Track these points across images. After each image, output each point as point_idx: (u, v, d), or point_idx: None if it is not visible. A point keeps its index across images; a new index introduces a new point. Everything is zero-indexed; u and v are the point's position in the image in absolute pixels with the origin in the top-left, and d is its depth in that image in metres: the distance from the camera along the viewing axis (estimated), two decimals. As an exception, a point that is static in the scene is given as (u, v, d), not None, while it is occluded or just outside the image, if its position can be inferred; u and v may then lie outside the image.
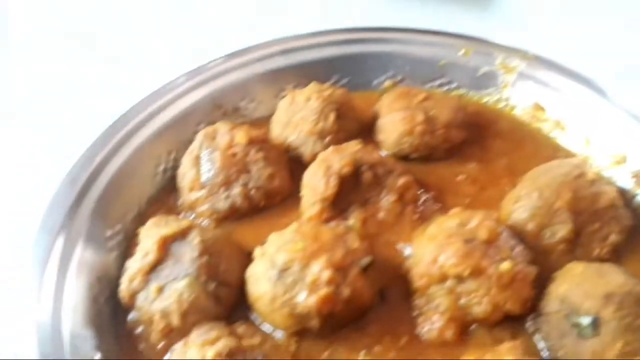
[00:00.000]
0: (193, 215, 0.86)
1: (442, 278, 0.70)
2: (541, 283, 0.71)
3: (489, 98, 1.03)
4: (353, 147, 0.84)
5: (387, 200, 0.83)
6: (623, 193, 0.82)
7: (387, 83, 1.06)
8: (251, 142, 0.87)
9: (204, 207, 0.85)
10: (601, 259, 0.74)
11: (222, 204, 0.85)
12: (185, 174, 0.88)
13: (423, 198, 0.86)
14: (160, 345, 0.72)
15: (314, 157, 0.87)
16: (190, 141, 0.92)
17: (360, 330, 0.72)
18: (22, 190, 0.80)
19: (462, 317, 0.70)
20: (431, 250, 0.72)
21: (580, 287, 0.66)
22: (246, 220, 0.86)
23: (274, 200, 0.87)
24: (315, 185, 0.82)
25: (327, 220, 0.81)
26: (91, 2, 1.31)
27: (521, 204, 0.79)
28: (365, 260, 0.72)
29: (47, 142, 0.99)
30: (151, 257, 0.74)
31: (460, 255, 0.69)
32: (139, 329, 0.74)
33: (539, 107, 0.97)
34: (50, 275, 0.73)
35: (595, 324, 0.63)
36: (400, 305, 0.74)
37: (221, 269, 0.74)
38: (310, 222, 0.77)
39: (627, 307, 0.63)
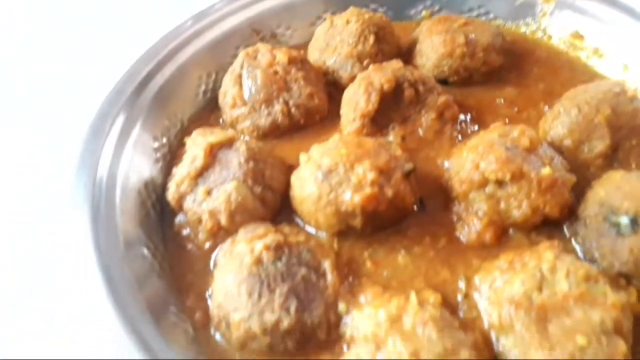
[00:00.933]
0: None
1: (483, 183, 0.72)
2: (579, 193, 0.73)
3: (526, 28, 1.03)
4: (394, 65, 0.85)
5: (427, 117, 0.85)
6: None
7: (425, 13, 1.06)
8: (292, 61, 0.89)
9: (245, 124, 0.88)
10: (639, 174, 0.76)
11: (264, 120, 0.87)
12: (227, 92, 0.90)
13: (462, 118, 0.87)
14: (207, 245, 0.75)
15: (352, 80, 0.88)
16: (229, 64, 0.93)
17: (400, 233, 0.74)
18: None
19: (501, 221, 0.72)
20: (473, 158, 0.73)
21: (619, 190, 0.68)
22: (286, 138, 0.88)
23: (314, 119, 0.89)
24: (356, 101, 0.84)
25: (367, 136, 0.83)
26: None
27: (560, 120, 0.80)
28: (408, 165, 0.74)
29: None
30: (199, 162, 0.77)
31: (501, 160, 0.71)
32: (186, 231, 0.77)
33: (577, 35, 0.97)
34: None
35: (635, 222, 0.65)
36: (440, 213, 0.76)
37: (267, 175, 0.77)
38: (351, 135, 0.79)
39: (667, 207, 0.64)
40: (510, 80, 0.94)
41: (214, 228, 0.74)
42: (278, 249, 0.68)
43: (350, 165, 0.71)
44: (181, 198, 0.77)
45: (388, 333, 0.60)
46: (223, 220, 0.73)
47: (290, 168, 0.79)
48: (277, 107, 0.87)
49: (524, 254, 0.66)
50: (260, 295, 0.64)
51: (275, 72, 0.88)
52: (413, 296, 0.64)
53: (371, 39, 0.93)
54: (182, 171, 0.78)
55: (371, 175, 0.69)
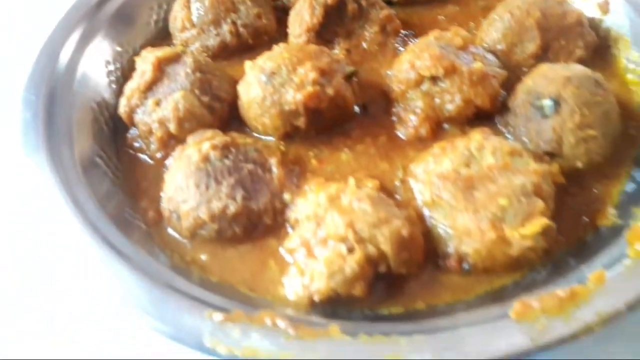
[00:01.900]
0: (185, 56, 0.91)
1: (419, 81, 0.76)
2: (511, 90, 0.77)
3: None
4: (337, -20, 0.88)
5: (370, 31, 0.88)
6: (590, 21, 0.87)
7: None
8: (239, -16, 0.91)
9: (195, 45, 0.90)
10: (567, 73, 0.80)
11: (212, 40, 0.89)
12: (177, 16, 0.92)
13: (405, 33, 0.91)
14: (159, 155, 0.78)
15: (299, 4, 0.91)
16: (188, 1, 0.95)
17: (344, 135, 0.78)
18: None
19: (436, 115, 0.76)
20: (409, 59, 0.77)
21: (544, 77, 0.72)
22: (235, 59, 0.90)
23: (262, 39, 0.91)
24: (301, 17, 0.87)
25: (313, 50, 0.86)
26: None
27: (494, 26, 0.84)
28: (349, 68, 0.77)
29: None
30: (147, 76, 0.79)
31: (435, 57, 0.75)
32: (139, 143, 0.80)
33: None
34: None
35: (556, 103, 0.69)
36: (382, 116, 0.80)
37: (214, 85, 0.79)
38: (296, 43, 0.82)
39: (585, 87, 0.69)
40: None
41: (164, 137, 0.77)
42: (225, 148, 0.71)
43: (292, 67, 0.74)
44: (132, 111, 0.79)
45: (327, 210, 0.64)
46: (172, 127, 0.76)
47: (238, 82, 0.82)
48: (226, 28, 0.89)
49: (455, 141, 0.70)
50: (207, 187, 0.68)
51: (223, -5, 0.90)
52: (352, 180, 0.68)
53: (316, -37, 0.95)
54: (131, 85, 0.80)
55: (312, 75, 0.73)
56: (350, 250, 0.60)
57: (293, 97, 0.72)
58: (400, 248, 0.60)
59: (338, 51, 0.86)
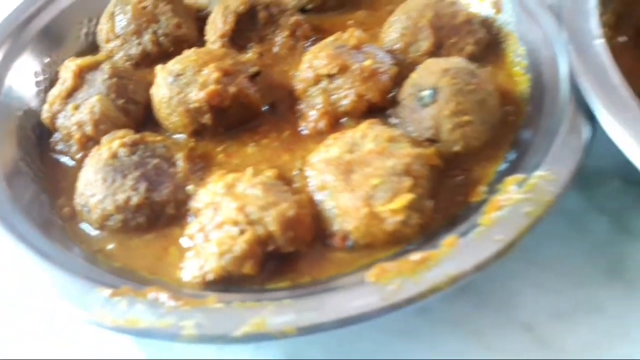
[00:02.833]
0: (112, 65, 0.97)
1: (317, 79, 0.82)
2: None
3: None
4: (250, -8, 0.95)
5: (280, 36, 0.95)
6: (485, 20, 0.95)
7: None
8: (160, -3, 0.98)
9: (119, 55, 0.96)
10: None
11: (135, 50, 0.96)
12: (102, 29, 0.98)
13: (314, 38, 0.97)
14: (79, 156, 0.83)
15: (221, 14, 0.98)
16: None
17: (252, 131, 0.84)
18: None
19: (333, 110, 0.82)
20: (308, 59, 0.84)
21: (426, 70, 0.79)
22: (157, 65, 0.94)
23: (182, 47, 0.95)
24: (215, 24, 0.93)
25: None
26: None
27: (393, 28, 0.91)
28: (253, 69, 0.84)
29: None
30: (68, 83, 0.85)
31: (330, 57, 0.81)
32: (61, 146, 0.85)
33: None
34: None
35: (434, 93, 0.76)
36: (288, 113, 0.86)
37: (130, 89, 0.86)
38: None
39: (460, 77, 0.76)
40: (363, 5, 1.04)
41: (83, 138, 0.82)
42: (134, 145, 0.77)
43: (198, 68, 0.80)
44: (54, 117, 0.85)
45: (223, 197, 0.69)
46: (89, 129, 0.82)
47: (154, 86, 0.88)
48: (147, 37, 0.95)
49: (346, 131, 0.76)
50: (114, 181, 0.73)
51: (144, 7, 0.96)
52: (249, 170, 0.73)
53: (237, -25, 1.02)
54: (53, 92, 0.86)
55: (215, 75, 0.79)
56: (242, 232, 0.66)
57: (196, 95, 0.78)
58: (287, 228, 0.66)
59: (251, 55, 0.93)
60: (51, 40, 0.98)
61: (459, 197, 0.73)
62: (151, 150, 0.77)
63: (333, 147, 0.73)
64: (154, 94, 0.83)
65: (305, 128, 0.83)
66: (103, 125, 0.82)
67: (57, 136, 0.86)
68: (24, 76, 0.92)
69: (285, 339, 0.56)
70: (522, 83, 0.86)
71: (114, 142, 0.76)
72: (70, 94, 0.85)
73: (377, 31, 0.97)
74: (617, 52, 0.89)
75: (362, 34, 0.85)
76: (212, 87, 0.78)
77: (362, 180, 0.68)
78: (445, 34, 0.89)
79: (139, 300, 0.58)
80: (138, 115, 0.85)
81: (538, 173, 0.66)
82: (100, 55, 0.89)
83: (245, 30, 0.94)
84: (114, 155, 0.75)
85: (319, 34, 0.98)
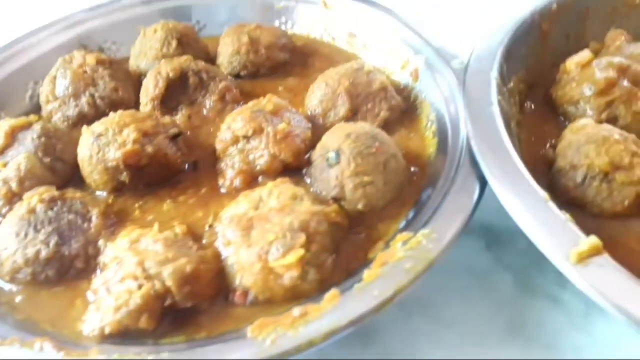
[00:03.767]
0: (51, 125, 1.02)
1: (235, 140, 0.87)
2: (320, 146, 0.89)
3: (315, 34, 1.22)
4: (182, 58, 1.02)
5: (210, 99, 1.01)
6: (404, 88, 1.02)
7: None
8: (100, 62, 1.04)
9: (57, 116, 1.01)
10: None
11: (72, 111, 1.01)
12: (43, 90, 1.04)
13: (244, 102, 1.03)
14: (4, 211, 0.86)
15: (160, 79, 1.04)
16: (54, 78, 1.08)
17: (171, 187, 0.88)
18: None
19: (250, 169, 0.86)
20: (228, 122, 0.89)
21: (333, 134, 0.84)
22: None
23: (119, 109, 1.01)
24: (147, 88, 0.99)
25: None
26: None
27: (313, 95, 0.98)
28: (173, 130, 0.89)
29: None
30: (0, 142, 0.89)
31: (245, 119, 0.87)
32: (-13, 203, 0.88)
33: (352, 35, 1.17)
34: None
35: (338, 155, 0.80)
36: (209, 171, 0.90)
37: (58, 148, 0.90)
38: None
39: (362, 140, 0.81)
40: (295, 73, 1.12)
41: (8, 194, 0.85)
42: (52, 201, 0.80)
43: (119, 129, 0.85)
44: (-18, 173, 0.89)
45: (126, 252, 0.72)
46: (14, 185, 0.85)
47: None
48: (84, 99, 1.01)
49: (256, 189, 0.80)
50: (26, 235, 0.76)
51: (84, 72, 1.03)
52: (155, 225, 0.77)
53: (174, 43, 1.10)
54: (-16, 151, 0.90)
55: (133, 135, 0.84)
56: (140, 286, 0.68)
57: (114, 154, 0.83)
58: (183, 283, 0.68)
59: (180, 117, 0.98)
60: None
61: (360, 253, 0.76)
62: (68, 206, 0.80)
63: (242, 203, 0.77)
64: (78, 153, 0.87)
65: (222, 186, 0.87)
66: (28, 182, 0.85)
67: (-15, 192, 0.89)
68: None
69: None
70: (431, 146, 0.91)
71: (33, 198, 0.80)
72: (1, 151, 0.89)
73: (304, 97, 1.04)
74: (526, 117, 0.97)
75: (279, 101, 0.91)
76: (129, 147, 0.83)
77: (259, 236, 0.71)
78: (361, 101, 0.95)
79: (25, 350, 0.60)
80: (65, 173, 0.89)
81: (423, 231, 0.70)
82: (32, 117, 0.94)
83: (176, 93, 1.00)
84: (32, 211, 0.78)
85: (250, 98, 1.03)
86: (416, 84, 1.02)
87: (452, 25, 1.18)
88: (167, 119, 0.90)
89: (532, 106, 1.00)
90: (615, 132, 0.79)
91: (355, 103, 0.95)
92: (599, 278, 0.60)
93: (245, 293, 0.71)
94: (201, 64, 1.02)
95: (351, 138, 0.81)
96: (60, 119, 1.01)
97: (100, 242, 0.77)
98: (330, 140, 0.83)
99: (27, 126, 0.91)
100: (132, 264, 0.69)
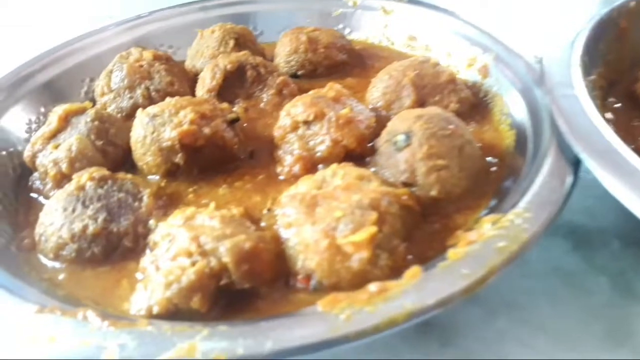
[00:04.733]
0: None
1: (294, 126, 0.82)
2: (382, 135, 0.83)
3: (374, 39, 1.19)
4: (240, 53, 0.99)
5: (267, 93, 0.97)
6: (472, 85, 0.96)
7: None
8: (157, 58, 1.02)
9: (111, 107, 0.99)
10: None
11: (126, 102, 0.98)
12: (99, 84, 1.02)
13: (302, 98, 0.99)
14: (52, 193, 0.82)
15: (215, 78, 1.01)
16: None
17: (226, 173, 0.82)
18: None
19: (309, 156, 0.80)
20: (287, 108, 0.84)
21: (401, 117, 0.78)
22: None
23: None
24: (204, 80, 0.96)
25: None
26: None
27: (375, 87, 0.93)
28: (231, 114, 0.84)
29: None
30: (53, 125, 0.87)
31: (306, 104, 0.82)
32: (37, 184, 0.85)
33: (412, 37, 1.13)
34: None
35: (408, 137, 0.74)
36: (266, 160, 0.85)
37: (111, 132, 0.87)
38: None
39: (434, 122, 0.74)
40: (353, 74, 1.08)
41: (58, 175, 0.82)
42: (102, 180, 0.76)
43: (175, 110, 0.81)
44: (34, 156, 0.86)
45: (179, 229, 0.66)
46: (64, 166, 0.81)
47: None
48: (139, 92, 0.98)
49: (319, 172, 0.74)
50: (74, 210, 0.71)
51: (141, 66, 1.01)
52: (212, 204, 0.71)
53: (231, 43, 1.08)
54: (37, 134, 0.87)
55: (190, 116, 0.79)
56: (194, 263, 0.62)
57: (169, 134, 0.78)
58: (241, 260, 0.61)
59: (237, 109, 0.94)
60: (51, 93, 1.03)
61: (436, 243, 0.68)
62: (119, 185, 0.75)
63: (303, 185, 0.71)
64: (131, 135, 0.84)
65: (281, 173, 0.81)
66: (79, 163, 0.81)
67: (35, 175, 0.86)
68: (16, 122, 0.95)
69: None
70: (508, 137, 0.84)
71: (83, 176, 0.75)
72: (53, 135, 0.86)
73: (364, 95, 0.99)
74: (612, 112, 0.89)
75: (341, 88, 0.86)
76: (186, 126, 0.78)
77: (325, 213, 0.64)
78: (428, 93, 0.89)
79: (66, 319, 0.53)
80: (116, 157, 0.85)
81: (514, 211, 0.62)
82: (87, 103, 0.91)
83: (233, 87, 0.96)
84: (81, 188, 0.73)
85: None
86: (485, 80, 0.96)
87: (512, 23, 1.13)
88: (225, 104, 0.86)
89: (615, 102, 0.92)
90: None
91: (421, 94, 0.89)
92: None
93: (309, 277, 0.63)
94: (259, 58, 0.99)
95: (423, 119, 0.74)
96: (114, 110, 0.98)
97: (151, 222, 0.72)
98: (398, 124, 0.77)
99: (81, 112, 0.89)
100: (186, 239, 0.63)
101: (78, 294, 0.65)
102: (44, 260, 0.71)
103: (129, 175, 0.78)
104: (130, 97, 0.98)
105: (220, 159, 0.82)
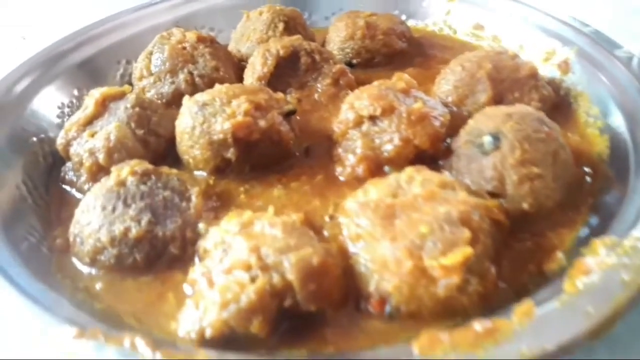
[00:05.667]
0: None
1: (358, 122, 0.73)
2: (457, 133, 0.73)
3: (434, 27, 1.09)
4: (293, 37, 0.90)
5: (322, 83, 0.87)
6: (550, 82, 0.85)
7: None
8: (201, 40, 0.93)
9: (150, 93, 0.90)
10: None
11: (167, 88, 0.90)
12: (138, 66, 0.93)
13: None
14: (87, 187, 0.74)
15: (263, 64, 0.92)
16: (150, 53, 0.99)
17: (281, 173, 0.74)
18: None
19: (374, 156, 0.71)
20: (349, 100, 0.75)
21: (484, 115, 0.68)
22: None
23: None
24: (254, 67, 0.87)
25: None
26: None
27: (445, 79, 0.83)
28: (288, 106, 0.75)
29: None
30: (89, 110, 0.78)
31: (373, 97, 0.72)
32: (70, 176, 0.77)
33: (478, 26, 1.02)
34: None
35: (496, 138, 0.64)
36: (323, 158, 0.76)
37: (153, 121, 0.78)
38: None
39: (527, 122, 0.64)
40: (414, 63, 0.98)
41: (93, 167, 0.74)
42: (145, 175, 0.67)
43: (227, 99, 0.72)
44: (68, 144, 0.77)
45: (235, 236, 0.57)
46: (101, 157, 0.73)
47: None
48: (181, 77, 0.90)
49: (389, 177, 0.65)
50: (114, 209, 0.63)
51: (184, 48, 0.92)
52: (270, 208, 0.62)
53: (281, 26, 0.98)
54: (72, 119, 0.79)
55: (245, 106, 0.71)
56: (253, 279, 0.53)
57: (222, 125, 0.69)
58: (308, 279, 0.53)
59: (289, 98, 0.85)
60: (85, 75, 0.95)
61: (530, 265, 0.59)
62: (164, 182, 0.67)
63: (372, 191, 0.61)
64: (177, 124, 0.75)
65: (341, 174, 0.72)
66: (117, 154, 0.73)
67: (68, 165, 0.78)
68: (48, 105, 0.86)
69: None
70: (599, 144, 0.74)
71: (124, 170, 0.67)
72: (89, 121, 0.78)
73: (429, 87, 0.89)
74: None
75: (410, 79, 0.76)
76: (240, 118, 0.69)
77: (406, 227, 0.55)
78: (506, 88, 0.79)
79: (111, 345, 0.45)
80: (158, 148, 0.77)
81: (635, 234, 0.52)
82: (127, 87, 0.83)
83: (285, 75, 0.87)
84: (122, 183, 0.65)
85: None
86: (566, 77, 0.86)
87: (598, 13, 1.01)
88: (280, 94, 0.77)
89: None
90: None
91: (498, 89, 0.79)
92: None
93: (383, 301, 0.55)
94: (314, 44, 0.90)
95: (514, 119, 0.64)
96: (154, 96, 0.90)
97: (201, 226, 0.63)
98: (482, 123, 0.67)
99: (121, 96, 0.80)
100: (244, 249, 0.54)
101: (118, 308, 0.57)
102: (78, 265, 0.63)
103: (175, 171, 0.70)
104: (172, 82, 0.90)
105: (274, 155, 0.73)
